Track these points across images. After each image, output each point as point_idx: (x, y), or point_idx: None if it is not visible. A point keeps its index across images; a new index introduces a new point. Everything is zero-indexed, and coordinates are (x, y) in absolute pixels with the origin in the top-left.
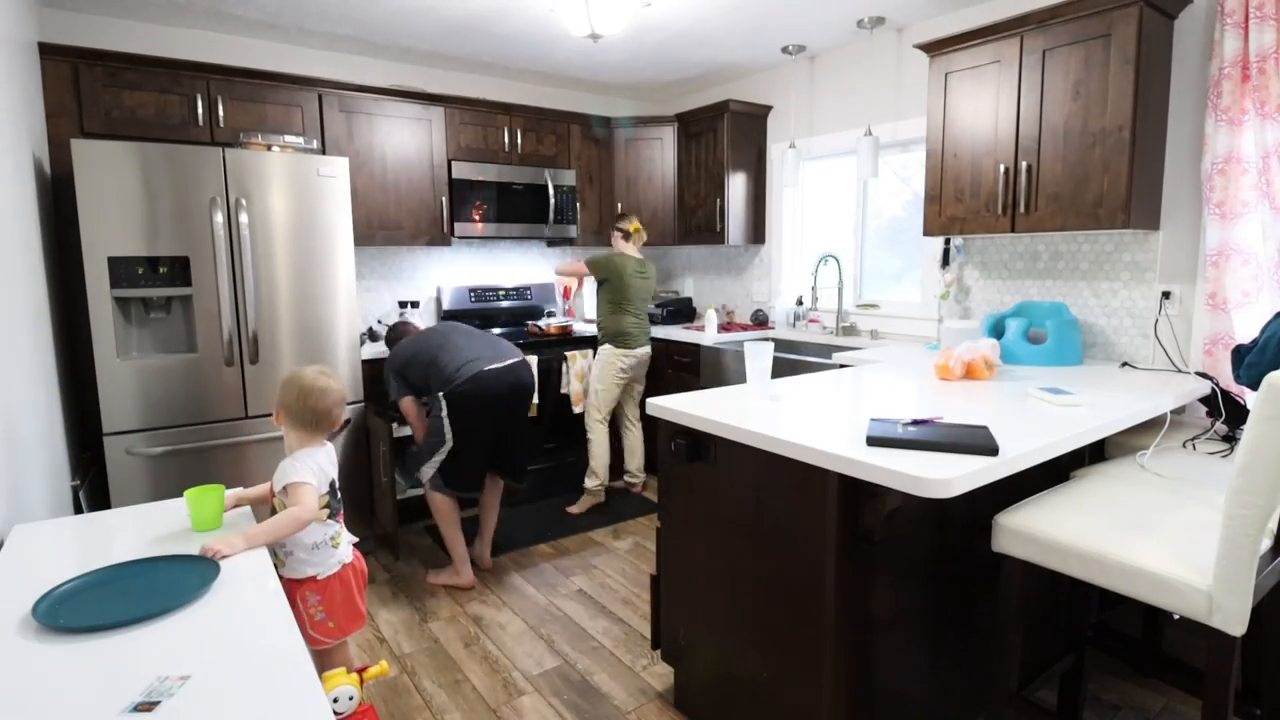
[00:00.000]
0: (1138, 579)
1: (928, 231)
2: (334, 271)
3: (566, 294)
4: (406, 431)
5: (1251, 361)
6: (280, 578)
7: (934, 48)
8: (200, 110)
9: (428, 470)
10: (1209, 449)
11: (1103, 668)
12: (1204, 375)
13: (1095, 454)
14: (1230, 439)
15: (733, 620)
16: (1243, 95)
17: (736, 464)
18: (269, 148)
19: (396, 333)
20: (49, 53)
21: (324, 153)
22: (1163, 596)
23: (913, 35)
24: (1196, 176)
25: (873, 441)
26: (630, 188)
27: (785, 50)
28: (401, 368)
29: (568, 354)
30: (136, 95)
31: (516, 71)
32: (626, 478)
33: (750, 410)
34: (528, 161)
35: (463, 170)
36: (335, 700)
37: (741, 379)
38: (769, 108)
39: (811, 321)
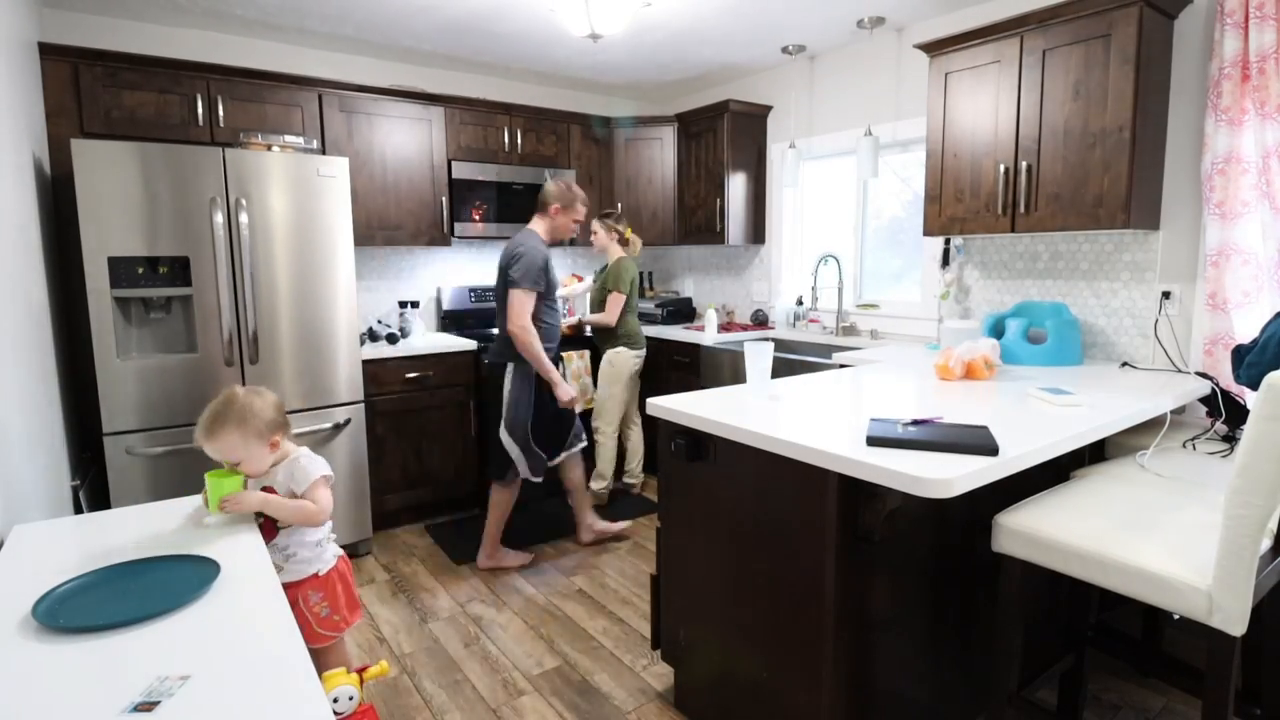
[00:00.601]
0: (1138, 579)
1: (928, 231)
2: (334, 272)
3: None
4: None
5: (1251, 361)
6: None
7: (934, 48)
8: (200, 110)
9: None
10: (1209, 449)
11: (1103, 668)
12: (1204, 375)
13: (1095, 454)
14: (1230, 439)
15: (733, 620)
16: (1243, 95)
17: (736, 464)
18: (269, 148)
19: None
20: (49, 53)
21: (324, 153)
22: (1163, 596)
23: (913, 35)
24: (1196, 176)
25: (873, 441)
26: (630, 188)
27: (785, 50)
28: (545, 265)
29: (563, 354)
30: (136, 95)
31: (516, 71)
32: (626, 478)
33: (750, 410)
34: (528, 161)
35: (463, 170)
36: (335, 700)
37: (741, 379)
38: (769, 108)
39: (811, 321)
